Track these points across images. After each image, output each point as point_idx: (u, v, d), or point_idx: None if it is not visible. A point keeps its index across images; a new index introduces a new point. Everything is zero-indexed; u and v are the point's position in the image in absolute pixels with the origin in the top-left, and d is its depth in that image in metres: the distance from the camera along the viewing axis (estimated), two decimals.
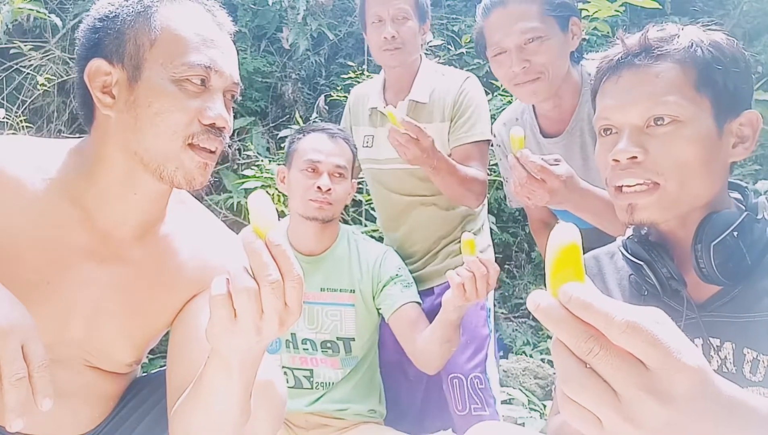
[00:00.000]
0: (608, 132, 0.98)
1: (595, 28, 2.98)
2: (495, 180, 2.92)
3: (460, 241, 1.89)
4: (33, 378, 0.73)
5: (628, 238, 1.01)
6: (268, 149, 4.09)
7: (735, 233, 0.89)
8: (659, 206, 0.92)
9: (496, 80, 1.74)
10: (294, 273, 0.71)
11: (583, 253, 0.53)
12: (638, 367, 0.47)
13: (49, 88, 3.78)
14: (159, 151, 0.94)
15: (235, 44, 1.04)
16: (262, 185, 3.28)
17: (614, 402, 0.47)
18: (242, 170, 3.44)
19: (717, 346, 0.91)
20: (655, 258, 0.95)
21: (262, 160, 3.49)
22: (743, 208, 0.94)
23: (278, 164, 3.42)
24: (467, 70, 2.07)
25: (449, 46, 4.05)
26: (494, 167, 2.64)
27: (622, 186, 0.94)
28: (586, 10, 2.68)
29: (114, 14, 0.95)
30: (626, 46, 0.96)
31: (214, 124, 0.95)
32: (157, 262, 1.05)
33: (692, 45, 0.93)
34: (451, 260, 1.88)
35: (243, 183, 3.29)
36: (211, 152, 0.97)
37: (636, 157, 0.92)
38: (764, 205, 0.94)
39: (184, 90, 0.93)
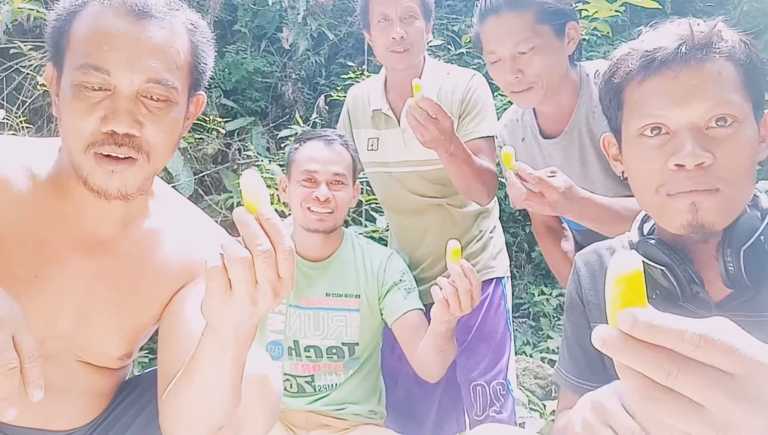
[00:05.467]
0: (657, 131, 0.91)
1: (594, 29, 2.98)
2: None
3: (478, 241, 1.90)
4: (24, 369, 0.74)
5: (640, 240, 0.98)
6: (268, 149, 4.09)
7: (762, 238, 0.88)
8: (720, 209, 0.88)
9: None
10: (284, 244, 0.73)
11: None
12: (721, 378, 0.46)
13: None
14: (74, 158, 0.92)
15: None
16: None
17: (703, 416, 0.46)
18: (242, 170, 3.44)
19: None
20: (676, 261, 0.92)
21: (262, 160, 3.49)
22: (756, 210, 0.93)
23: (278, 164, 3.43)
24: None
25: (449, 46, 4.05)
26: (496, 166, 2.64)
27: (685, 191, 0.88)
28: (586, 10, 2.68)
29: (56, 18, 0.94)
30: (693, 38, 0.88)
31: (114, 132, 0.89)
32: (144, 255, 1.05)
33: (739, 42, 0.89)
34: (473, 262, 1.84)
35: None
36: (121, 159, 0.91)
37: (704, 163, 0.86)
38: None
39: (83, 96, 0.89)
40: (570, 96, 1.54)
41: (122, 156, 0.91)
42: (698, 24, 0.90)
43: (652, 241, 0.95)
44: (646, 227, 1.03)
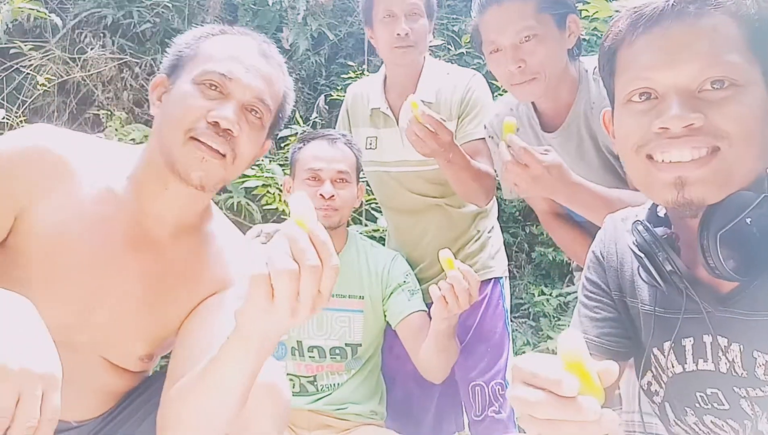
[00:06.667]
0: (645, 96, 0.82)
1: (595, 29, 2.98)
2: None
3: (476, 241, 1.90)
4: (40, 429, 0.73)
5: (640, 220, 0.90)
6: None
7: (748, 220, 0.75)
8: (714, 181, 0.77)
9: (496, 81, 1.72)
10: (332, 261, 0.76)
11: None
12: None
13: (49, 88, 3.78)
14: (167, 141, 1.03)
15: None
16: (263, 184, 3.28)
17: None
18: None
19: (725, 346, 0.85)
20: (657, 250, 0.84)
21: (262, 160, 3.49)
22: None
23: (278, 164, 3.42)
24: None
25: (449, 47, 4.05)
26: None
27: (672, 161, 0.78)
28: (586, 10, 2.67)
29: (181, 41, 1.12)
30: None
31: (218, 123, 1.01)
32: (188, 263, 1.12)
33: None
34: (471, 262, 1.84)
35: (243, 182, 3.28)
36: (214, 150, 1.02)
37: (693, 124, 0.76)
38: None
39: (200, 91, 1.03)
40: (569, 91, 1.53)
41: (215, 147, 1.02)
42: None
43: (647, 223, 0.88)
44: None
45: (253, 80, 1.06)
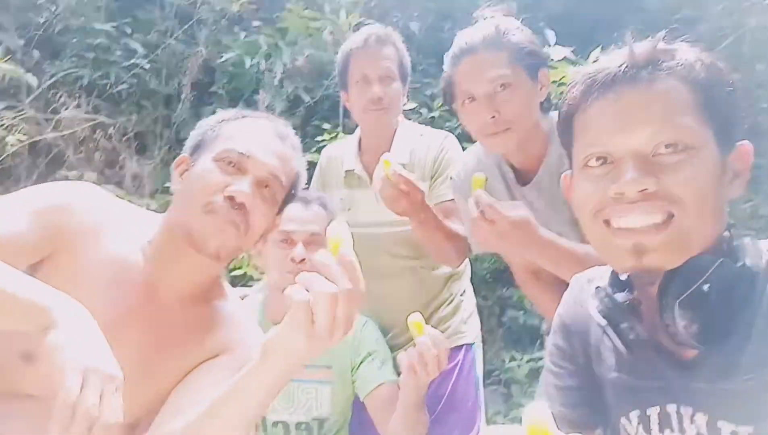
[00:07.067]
0: (602, 161, 0.82)
1: (562, 93, 3.07)
2: None
3: (448, 305, 1.87)
4: (113, 428, 0.80)
5: (601, 286, 0.89)
6: None
7: (706, 286, 0.75)
8: (672, 247, 0.77)
9: (469, 142, 1.73)
10: (360, 284, 0.82)
11: None
12: None
13: (19, 148, 3.73)
14: (186, 213, 1.10)
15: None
16: None
17: None
18: None
19: (690, 415, 0.83)
20: (620, 318, 0.84)
21: None
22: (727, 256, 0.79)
23: None
24: None
25: (422, 110, 4.14)
26: None
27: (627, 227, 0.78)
28: (555, 76, 2.77)
29: (205, 124, 1.21)
30: (634, 56, 0.80)
31: (234, 197, 1.08)
32: (190, 330, 1.14)
33: (696, 62, 0.80)
34: (443, 326, 1.81)
35: None
36: (229, 221, 1.08)
37: (647, 189, 0.76)
38: (746, 249, 0.80)
39: (219, 168, 1.11)
40: (541, 144, 1.52)
41: (230, 219, 1.08)
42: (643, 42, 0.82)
43: (602, 294, 0.88)
44: None
45: (268, 158, 1.14)
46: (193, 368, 1.14)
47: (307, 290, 0.81)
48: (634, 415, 0.91)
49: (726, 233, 0.82)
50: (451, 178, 1.73)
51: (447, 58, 1.53)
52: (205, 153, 1.15)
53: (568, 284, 1.07)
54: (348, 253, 0.83)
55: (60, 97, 4.03)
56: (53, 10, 4.14)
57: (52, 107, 4.01)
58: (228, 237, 1.09)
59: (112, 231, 1.12)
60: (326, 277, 0.81)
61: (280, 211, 1.22)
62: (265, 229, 1.18)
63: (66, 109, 3.96)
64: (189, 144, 1.21)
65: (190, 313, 1.15)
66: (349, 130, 3.60)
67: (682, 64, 0.80)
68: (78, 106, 4.05)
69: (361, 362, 1.71)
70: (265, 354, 0.87)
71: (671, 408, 0.86)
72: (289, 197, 1.22)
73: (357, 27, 3.53)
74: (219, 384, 0.98)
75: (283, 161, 1.17)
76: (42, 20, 4.14)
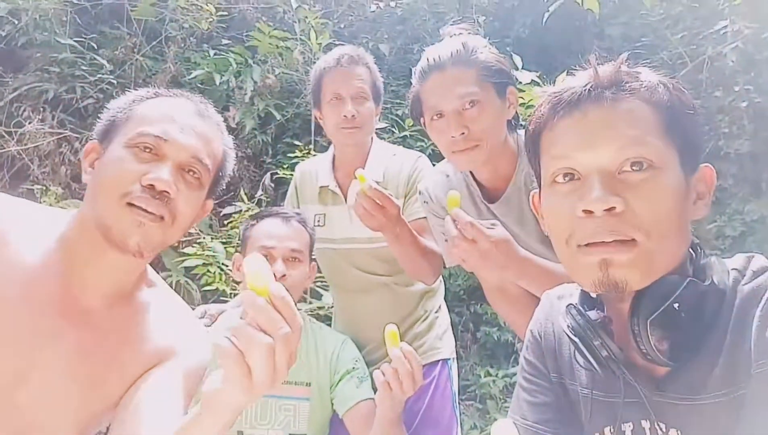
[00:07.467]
0: (569, 178, 0.83)
1: (529, 115, 3.14)
2: None
3: (423, 321, 1.88)
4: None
5: (573, 303, 0.91)
6: (210, 226, 4.01)
7: (676, 305, 0.77)
8: (637, 266, 0.78)
9: (438, 160, 1.75)
10: (297, 321, 0.77)
11: None
12: None
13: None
14: (101, 208, 1.00)
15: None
16: (204, 263, 3.19)
17: None
18: (183, 248, 3.34)
19: (663, 431, 0.84)
20: (592, 335, 0.84)
21: (204, 238, 3.41)
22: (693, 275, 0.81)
23: (221, 242, 3.35)
24: None
25: (393, 129, 4.18)
26: None
27: (594, 242, 0.79)
28: (522, 98, 2.83)
29: (121, 105, 1.09)
30: (598, 76, 0.82)
31: (153, 186, 0.99)
32: (123, 333, 1.06)
33: (659, 84, 0.83)
34: (419, 342, 1.82)
35: (183, 261, 3.19)
36: (151, 214, 0.99)
37: (614, 208, 0.78)
38: (713, 267, 0.82)
39: (134, 155, 1.01)
40: (508, 162, 1.52)
41: (152, 211, 0.99)
42: (607, 64, 0.84)
43: (574, 311, 0.88)
44: None
45: (188, 139, 1.04)
46: (138, 378, 1.06)
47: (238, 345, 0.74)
48: (607, 431, 0.92)
49: (692, 253, 0.84)
50: (420, 192, 1.74)
51: (415, 73, 1.52)
52: (117, 138, 1.03)
53: (538, 300, 1.09)
54: (279, 290, 0.76)
55: (24, 110, 3.95)
56: (16, 23, 4.06)
57: (15, 120, 3.92)
58: (150, 231, 0.99)
59: (19, 236, 1.00)
60: (260, 324, 0.74)
61: (209, 196, 1.13)
62: (194, 218, 1.09)
63: (30, 123, 3.88)
64: (98, 129, 1.09)
65: (118, 314, 1.06)
66: (321, 148, 3.61)
67: (645, 86, 0.82)
68: (42, 120, 3.97)
69: (340, 380, 1.71)
70: (206, 408, 0.81)
71: (645, 424, 0.87)
72: (218, 180, 1.14)
73: (327, 48, 3.56)
74: (166, 400, 0.96)
75: (205, 141, 1.07)
76: (4, 33, 4.06)
